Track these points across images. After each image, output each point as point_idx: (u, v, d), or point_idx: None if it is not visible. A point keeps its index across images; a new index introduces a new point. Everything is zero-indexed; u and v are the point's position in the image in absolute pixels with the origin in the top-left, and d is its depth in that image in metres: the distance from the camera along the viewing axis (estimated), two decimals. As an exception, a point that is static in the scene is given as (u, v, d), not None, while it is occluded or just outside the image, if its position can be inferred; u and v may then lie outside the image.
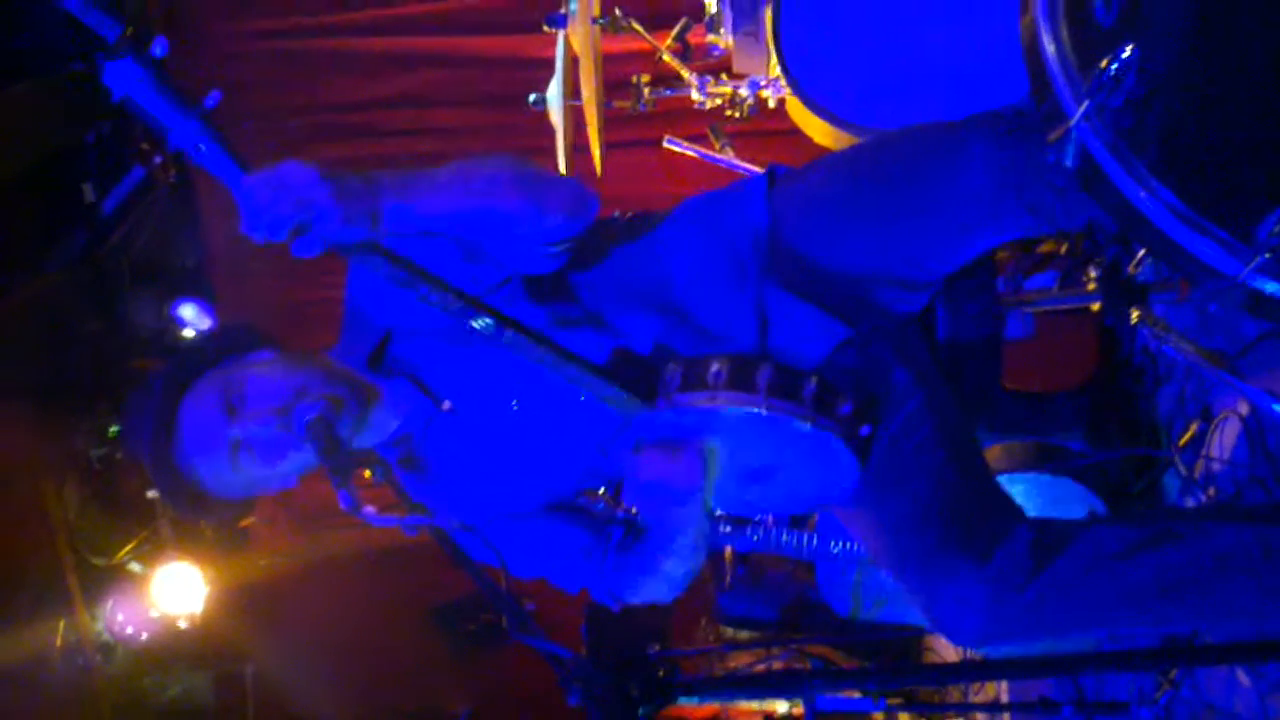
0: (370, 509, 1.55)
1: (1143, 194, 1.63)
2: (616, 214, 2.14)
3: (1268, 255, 1.56)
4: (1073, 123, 1.66)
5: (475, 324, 1.75)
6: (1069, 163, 1.70)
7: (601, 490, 2.17)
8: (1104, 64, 1.59)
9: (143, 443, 1.88)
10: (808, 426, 1.74)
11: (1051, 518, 2.11)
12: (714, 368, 1.76)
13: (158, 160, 4.62)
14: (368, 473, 1.70)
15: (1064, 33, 1.66)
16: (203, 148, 1.60)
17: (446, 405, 2.01)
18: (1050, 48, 1.67)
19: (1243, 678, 2.89)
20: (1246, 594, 2.00)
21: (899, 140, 2.09)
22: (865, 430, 1.79)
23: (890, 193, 2.01)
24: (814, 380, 1.75)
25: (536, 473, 2.06)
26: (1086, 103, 1.63)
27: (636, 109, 3.71)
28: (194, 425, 1.88)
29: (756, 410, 1.74)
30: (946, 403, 2.09)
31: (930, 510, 2.02)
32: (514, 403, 2.00)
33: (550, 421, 2.01)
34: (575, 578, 2.09)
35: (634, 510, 2.06)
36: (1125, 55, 1.57)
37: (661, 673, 1.54)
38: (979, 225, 2.01)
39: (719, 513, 2.16)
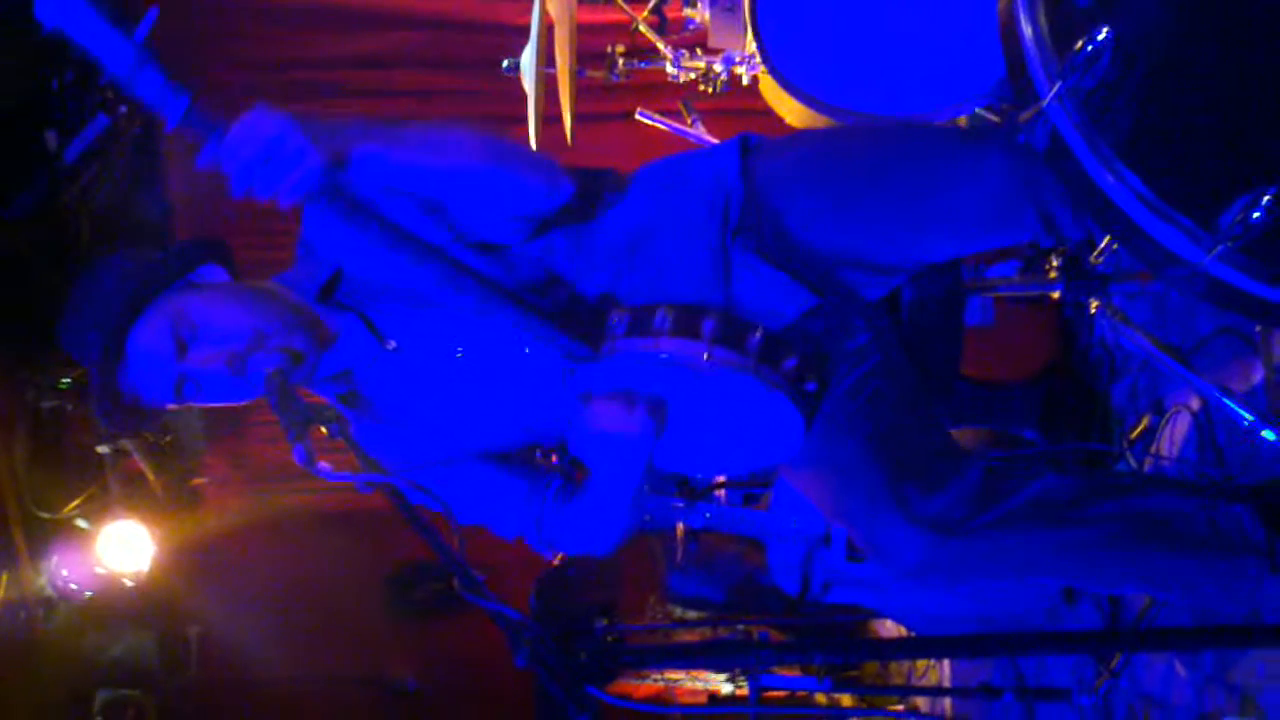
0: (325, 465, 1.56)
1: (1109, 178, 1.65)
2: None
3: (1229, 244, 1.59)
4: (1044, 103, 1.67)
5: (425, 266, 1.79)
6: (1039, 143, 1.72)
7: (538, 454, 2.18)
8: (1078, 45, 1.60)
9: (90, 366, 1.88)
10: (749, 376, 1.73)
11: (1004, 465, 2.13)
12: (659, 315, 1.76)
13: (123, 110, 4.55)
14: (324, 429, 1.70)
15: (1041, 13, 1.67)
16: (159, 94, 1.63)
17: (392, 345, 2.01)
18: (1026, 28, 1.68)
19: (1180, 669, 2.93)
20: (1185, 560, 2.04)
21: (912, 133, 2.10)
22: (812, 386, 1.79)
23: (895, 185, 2.02)
24: (759, 332, 1.75)
25: (476, 422, 2.06)
26: (1059, 84, 1.65)
27: (610, 80, 3.69)
28: (141, 357, 1.88)
29: (698, 357, 1.73)
30: (904, 367, 2.10)
31: (882, 451, 2.03)
32: (458, 351, 2.00)
33: (493, 373, 2.01)
34: (512, 523, 2.10)
35: (574, 461, 2.06)
36: (1100, 37, 1.58)
37: (610, 638, 1.54)
38: (982, 230, 2.03)
39: (667, 472, 2.16)
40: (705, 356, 1.73)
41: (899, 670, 5.27)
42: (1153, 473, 3.00)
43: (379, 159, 1.78)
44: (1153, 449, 3.03)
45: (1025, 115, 1.70)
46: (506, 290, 1.84)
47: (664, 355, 1.74)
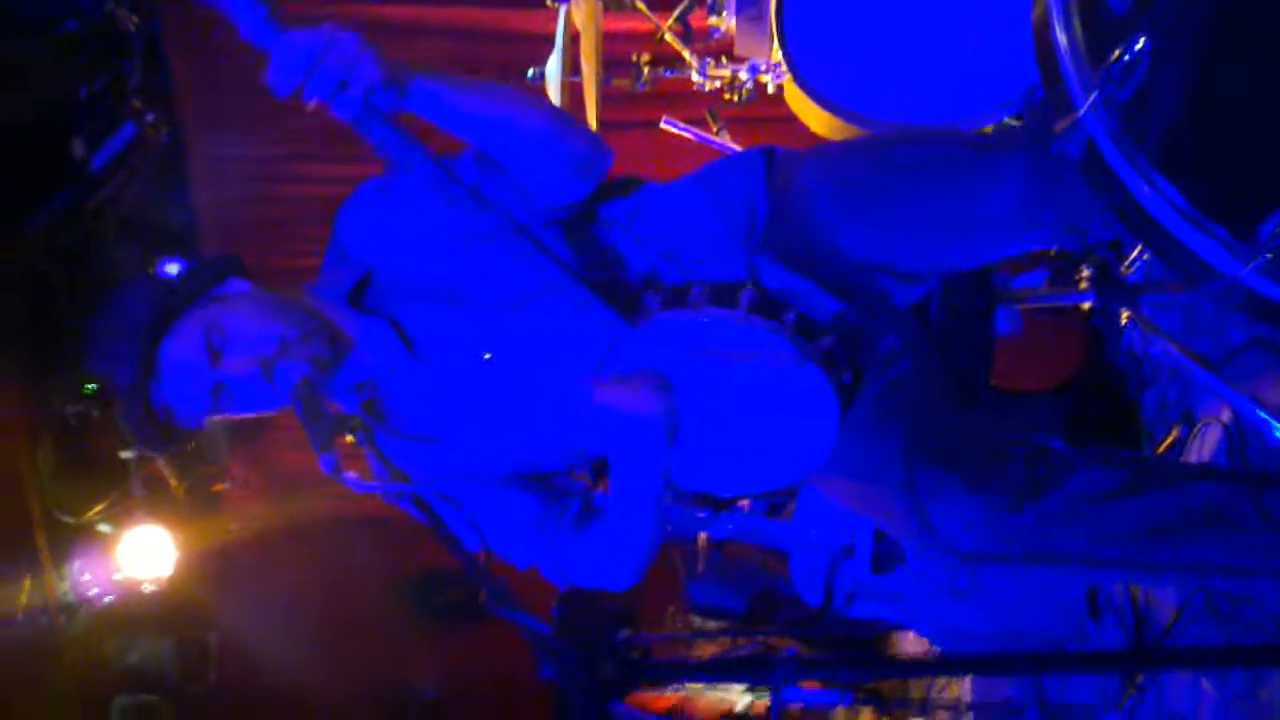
0: (352, 474, 1.56)
1: (1146, 189, 1.63)
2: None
3: (1269, 256, 1.57)
4: (1080, 114, 1.65)
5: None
6: (1074, 153, 1.70)
7: (582, 475, 2.16)
8: (1115, 55, 1.58)
9: (121, 386, 1.89)
10: (786, 345, 1.73)
11: (1049, 449, 2.11)
12: (695, 290, 1.78)
13: (149, 118, 4.58)
14: (350, 437, 1.70)
15: (1076, 21, 1.65)
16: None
17: (419, 352, 2.01)
18: (1061, 36, 1.66)
19: (1207, 686, 2.90)
20: (1236, 548, 2.01)
21: (935, 143, 2.09)
22: (847, 378, 1.78)
23: (921, 194, 2.02)
24: (794, 313, 1.75)
25: (498, 435, 2.04)
26: (1095, 94, 1.62)
27: (635, 88, 3.70)
28: (175, 369, 1.89)
29: (736, 322, 1.74)
30: (937, 369, 2.09)
31: (922, 441, 2.00)
32: (485, 354, 1.99)
33: (521, 380, 2.00)
34: (525, 551, 2.06)
35: (598, 472, 2.05)
36: (1137, 47, 1.56)
37: (635, 654, 1.53)
38: (1008, 238, 2.04)
39: (691, 491, 2.14)
40: (743, 323, 1.74)
41: (919, 684, 5.23)
42: (1200, 463, 2.96)
43: (439, 94, 1.79)
44: (1182, 461, 2.99)
45: (1060, 125, 1.69)
46: (554, 253, 1.86)
47: (704, 319, 1.75)
